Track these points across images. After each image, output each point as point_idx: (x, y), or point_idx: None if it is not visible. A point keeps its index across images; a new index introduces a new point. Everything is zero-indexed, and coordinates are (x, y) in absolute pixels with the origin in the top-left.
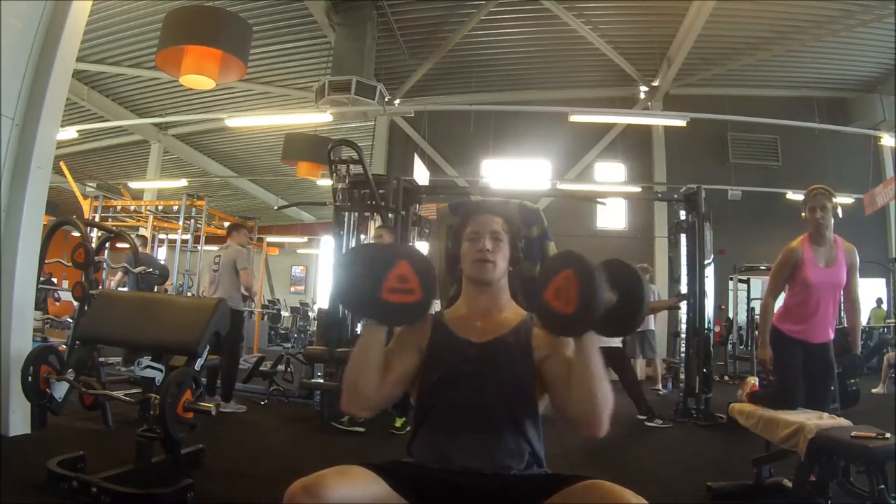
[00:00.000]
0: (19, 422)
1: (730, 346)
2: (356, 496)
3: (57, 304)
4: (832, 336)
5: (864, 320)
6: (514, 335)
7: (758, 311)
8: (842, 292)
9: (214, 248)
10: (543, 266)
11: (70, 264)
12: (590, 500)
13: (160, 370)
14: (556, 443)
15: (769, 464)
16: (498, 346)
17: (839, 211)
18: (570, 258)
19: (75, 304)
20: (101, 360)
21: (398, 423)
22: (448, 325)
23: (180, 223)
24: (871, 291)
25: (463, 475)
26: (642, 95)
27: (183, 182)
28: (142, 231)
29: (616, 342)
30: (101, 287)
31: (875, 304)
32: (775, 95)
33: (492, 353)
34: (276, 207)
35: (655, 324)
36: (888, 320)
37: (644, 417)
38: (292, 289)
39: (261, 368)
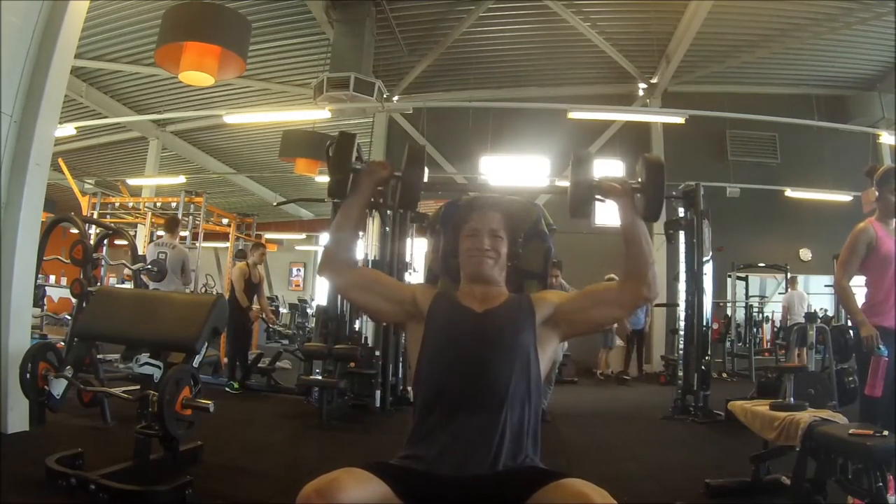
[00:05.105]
0: (18, 419)
1: (728, 344)
2: (365, 499)
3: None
4: None
5: None
6: (513, 302)
7: (757, 308)
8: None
9: (213, 245)
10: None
11: (68, 261)
12: (560, 500)
13: (158, 367)
14: (556, 440)
15: (767, 461)
16: (497, 311)
17: None
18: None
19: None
20: (99, 356)
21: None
22: (454, 295)
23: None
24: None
25: (459, 479)
26: (641, 92)
27: (181, 179)
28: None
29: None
30: (98, 284)
31: None
32: (774, 93)
33: (493, 318)
34: (274, 203)
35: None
36: None
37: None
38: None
39: (259, 365)
